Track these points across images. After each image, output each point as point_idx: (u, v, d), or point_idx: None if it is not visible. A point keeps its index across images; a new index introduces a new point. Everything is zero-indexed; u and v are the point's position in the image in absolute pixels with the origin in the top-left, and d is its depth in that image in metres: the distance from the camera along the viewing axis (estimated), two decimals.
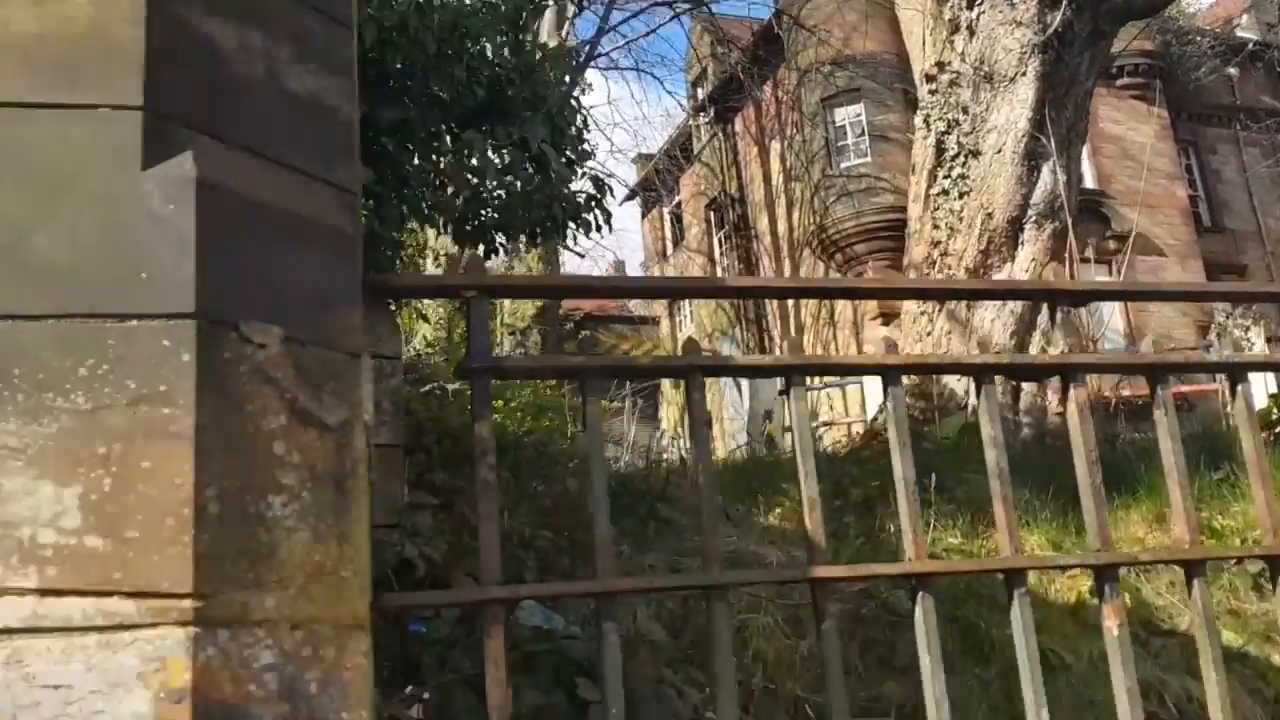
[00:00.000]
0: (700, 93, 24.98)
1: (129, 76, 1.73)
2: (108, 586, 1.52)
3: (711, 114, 24.09)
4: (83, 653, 1.49)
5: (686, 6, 19.05)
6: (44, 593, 1.50)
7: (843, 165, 21.73)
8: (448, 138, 5.27)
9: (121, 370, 1.61)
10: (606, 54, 17.60)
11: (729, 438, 22.06)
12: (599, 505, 2.04)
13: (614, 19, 17.70)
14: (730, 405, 21.47)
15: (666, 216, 27.15)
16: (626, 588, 2.11)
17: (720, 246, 24.71)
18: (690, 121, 24.74)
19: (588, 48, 16.62)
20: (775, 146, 23.31)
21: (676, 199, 26.78)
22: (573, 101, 5.11)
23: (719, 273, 24.23)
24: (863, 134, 21.88)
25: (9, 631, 1.48)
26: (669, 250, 27.19)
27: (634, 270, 31.26)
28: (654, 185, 25.22)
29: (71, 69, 1.73)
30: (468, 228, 5.38)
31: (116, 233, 1.66)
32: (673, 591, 2.96)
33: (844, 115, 22.22)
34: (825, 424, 17.14)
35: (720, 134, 24.47)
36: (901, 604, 4.41)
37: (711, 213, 25.05)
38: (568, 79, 5.48)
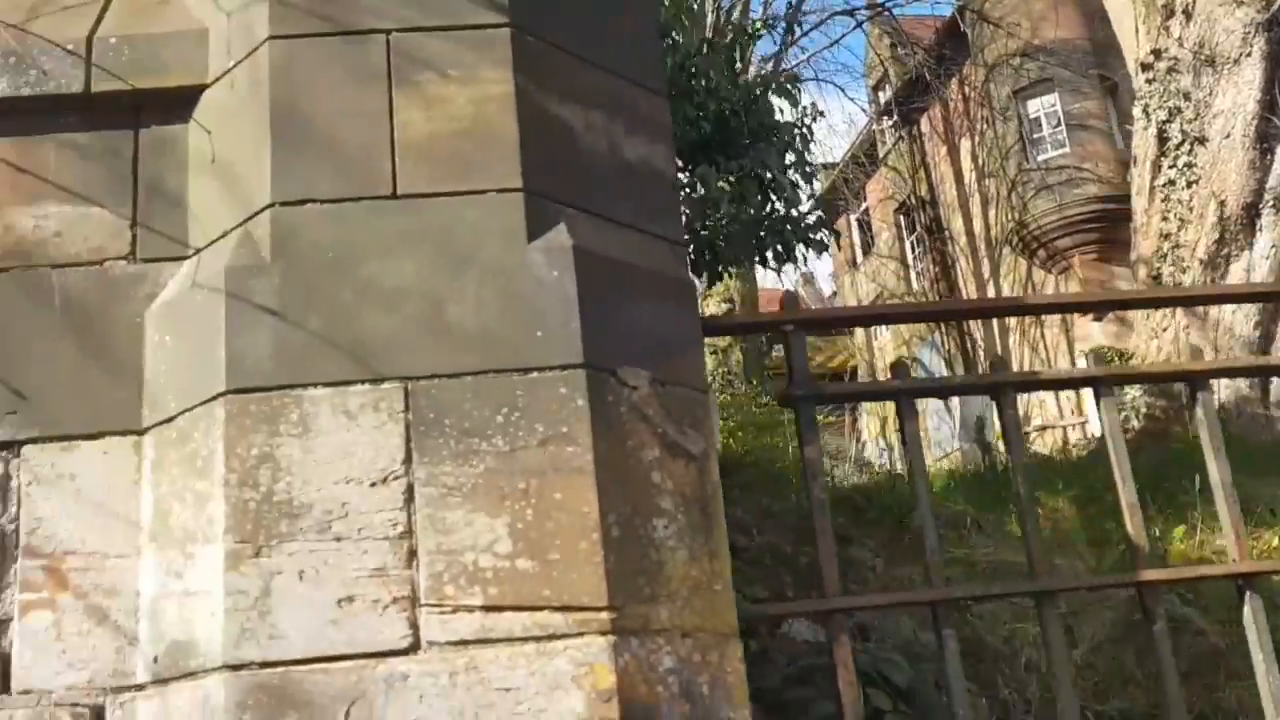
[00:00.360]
0: (882, 96, 24.67)
1: (508, 162, 2.01)
2: (539, 602, 1.78)
3: (895, 117, 23.76)
4: (525, 660, 1.74)
5: (868, 14, 18.94)
6: (488, 609, 1.77)
7: (1039, 158, 20.99)
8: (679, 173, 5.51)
9: (530, 416, 1.87)
10: (791, 69, 17.67)
11: (934, 445, 21.64)
12: (926, 519, 2.18)
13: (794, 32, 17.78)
14: (934, 414, 21.08)
15: (854, 224, 26.90)
16: (961, 594, 2.24)
17: (913, 251, 24.30)
18: (874, 126, 24.47)
19: (770, 65, 16.76)
20: (965, 145, 22.76)
21: (863, 205, 26.50)
22: (802, 130, 5.27)
23: (913, 278, 23.83)
24: (1059, 124, 21.11)
25: (465, 643, 1.75)
26: (859, 258, 26.94)
27: (824, 281, 31.04)
28: (840, 193, 25.04)
29: (461, 160, 2.01)
30: (704, 257, 5.61)
31: (512, 298, 1.93)
32: (1000, 599, 3.04)
33: (1037, 106, 21.50)
34: (1040, 428, 16.62)
35: (906, 136, 24.10)
36: (1175, 610, 4.32)
37: (901, 217, 24.65)
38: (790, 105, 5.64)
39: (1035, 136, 21.26)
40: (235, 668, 1.72)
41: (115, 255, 2.09)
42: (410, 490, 1.82)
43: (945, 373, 20.36)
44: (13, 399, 1.99)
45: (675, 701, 1.81)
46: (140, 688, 1.87)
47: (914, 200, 23.60)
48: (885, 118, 24.24)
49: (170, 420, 1.94)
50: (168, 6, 2.27)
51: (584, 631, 1.76)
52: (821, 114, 5.13)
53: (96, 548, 1.93)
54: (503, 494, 1.83)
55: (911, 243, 24.25)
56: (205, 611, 1.78)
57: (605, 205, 2.12)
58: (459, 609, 1.77)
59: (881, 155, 24.47)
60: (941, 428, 21.01)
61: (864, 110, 24.15)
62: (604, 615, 1.77)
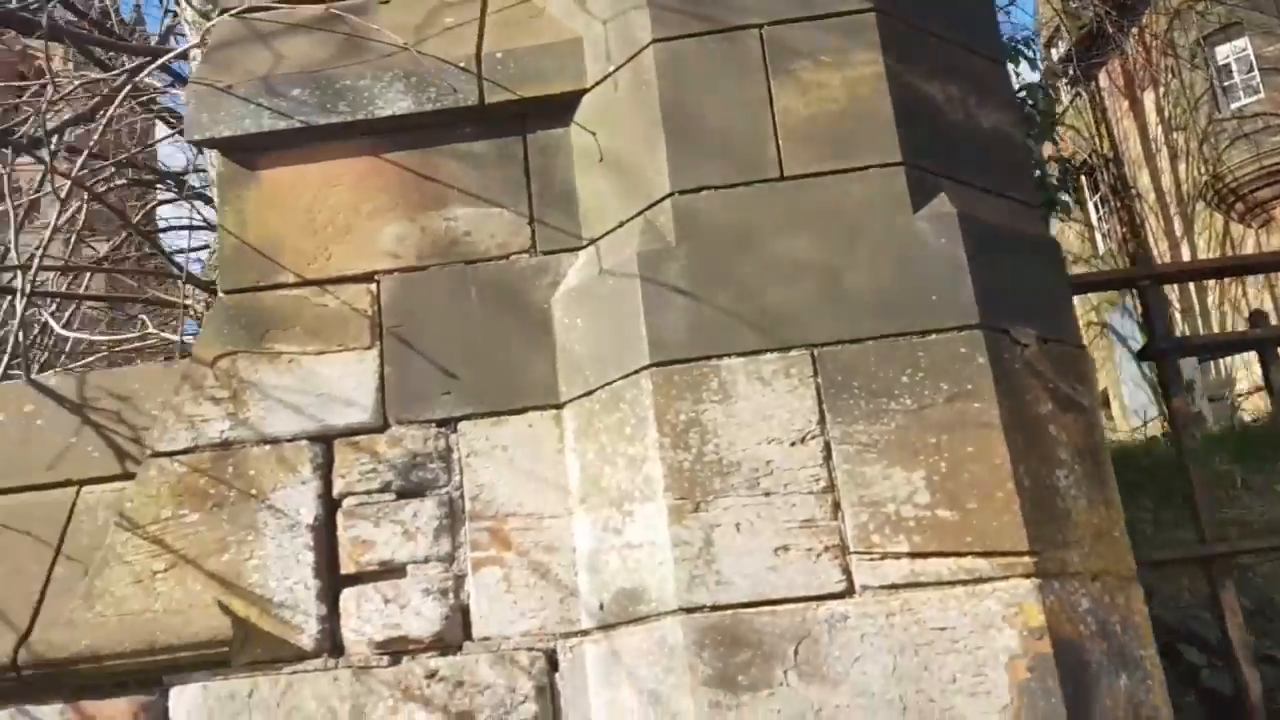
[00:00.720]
0: (1055, 53, 23.76)
1: (886, 138, 2.13)
2: (961, 548, 1.90)
3: (1074, 72, 22.87)
4: (955, 601, 1.87)
5: None
6: (913, 555, 1.90)
7: (1232, 106, 19.92)
8: None
9: (933, 375, 1.99)
10: None
11: (1130, 414, 20.78)
12: None
13: None
14: (1129, 380, 20.20)
15: None
16: None
17: (1097, 211, 23.36)
18: (1049, 84, 23.59)
19: None
20: (1149, 98, 21.73)
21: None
22: (1046, 90, 5.22)
23: (1098, 240, 22.91)
24: (1251, 70, 19.97)
25: (895, 587, 1.89)
26: None
27: None
28: None
29: (840, 140, 2.14)
30: None
31: (904, 265, 2.05)
32: None
33: (1227, 52, 20.39)
34: (1249, 391, 15.79)
35: (1083, 93, 23.15)
36: None
37: (1083, 177, 23.73)
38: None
39: (1226, 84, 20.20)
40: (689, 611, 1.90)
41: (518, 250, 2.31)
42: (827, 448, 1.97)
43: (1139, 336, 19.51)
44: (446, 381, 2.23)
45: (1094, 639, 1.90)
46: (585, 633, 2.08)
47: (1096, 159, 22.66)
48: (1059, 75, 23.32)
49: (590, 393, 2.14)
50: (538, 20, 2.48)
51: (1009, 575, 1.88)
52: (1067, 75, 5.06)
53: (532, 510, 2.16)
54: (915, 449, 1.95)
55: (1095, 203, 23.31)
56: (652, 562, 1.97)
57: (970, 173, 2.21)
58: (886, 556, 1.91)
59: (1059, 113, 23.59)
60: (1138, 394, 20.13)
61: (1039, 69, 23.32)
62: (1026, 559, 1.88)
